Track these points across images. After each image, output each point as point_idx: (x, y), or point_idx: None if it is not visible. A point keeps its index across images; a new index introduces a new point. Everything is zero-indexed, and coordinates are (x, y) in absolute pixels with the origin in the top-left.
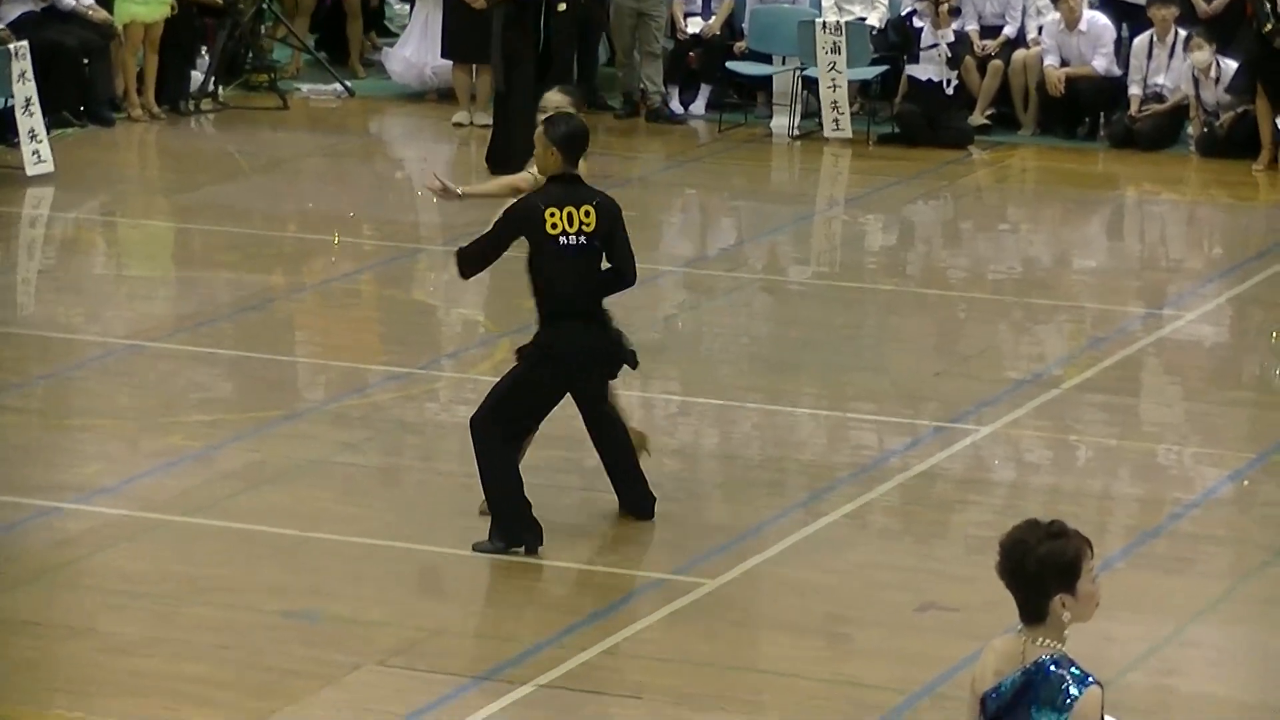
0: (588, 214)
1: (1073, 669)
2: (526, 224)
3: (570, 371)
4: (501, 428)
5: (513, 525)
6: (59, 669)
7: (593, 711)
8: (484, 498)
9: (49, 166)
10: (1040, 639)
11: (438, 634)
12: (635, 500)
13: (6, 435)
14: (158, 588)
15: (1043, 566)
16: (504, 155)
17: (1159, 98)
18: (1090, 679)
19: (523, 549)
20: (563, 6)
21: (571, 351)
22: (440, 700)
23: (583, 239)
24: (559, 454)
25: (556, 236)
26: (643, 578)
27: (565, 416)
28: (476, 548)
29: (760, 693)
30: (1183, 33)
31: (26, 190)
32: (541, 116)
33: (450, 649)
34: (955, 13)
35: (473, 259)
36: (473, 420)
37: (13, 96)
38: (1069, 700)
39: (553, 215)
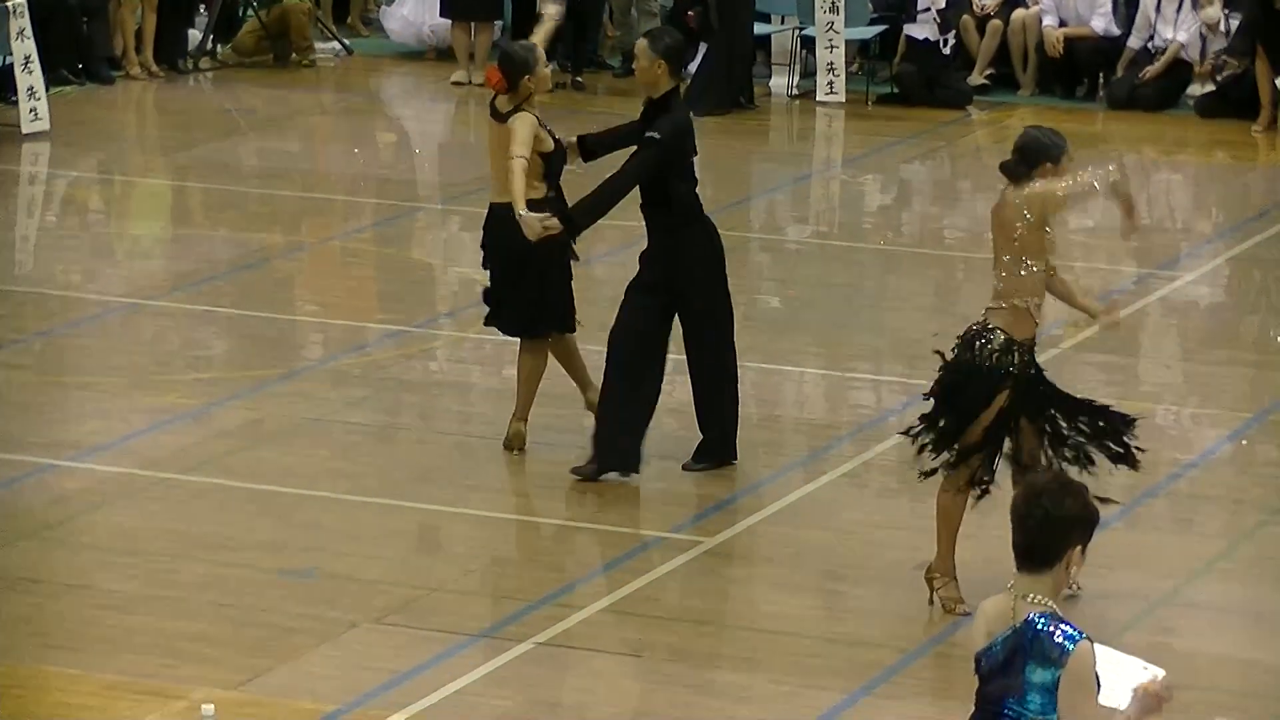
0: None
1: (1063, 625)
2: (691, 138)
3: None
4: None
5: None
6: (55, 625)
7: (590, 669)
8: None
9: (44, 124)
10: (1031, 595)
11: (435, 592)
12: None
13: (3, 393)
14: (154, 545)
15: (1078, 514)
16: (722, 89)
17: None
18: (1081, 634)
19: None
20: None
21: None
22: (438, 658)
23: None
24: (555, 411)
25: None
26: (641, 536)
27: (560, 374)
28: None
29: (757, 650)
30: None
31: (23, 147)
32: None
33: (448, 607)
34: None
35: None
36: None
37: (11, 54)
38: (1062, 655)
39: None
